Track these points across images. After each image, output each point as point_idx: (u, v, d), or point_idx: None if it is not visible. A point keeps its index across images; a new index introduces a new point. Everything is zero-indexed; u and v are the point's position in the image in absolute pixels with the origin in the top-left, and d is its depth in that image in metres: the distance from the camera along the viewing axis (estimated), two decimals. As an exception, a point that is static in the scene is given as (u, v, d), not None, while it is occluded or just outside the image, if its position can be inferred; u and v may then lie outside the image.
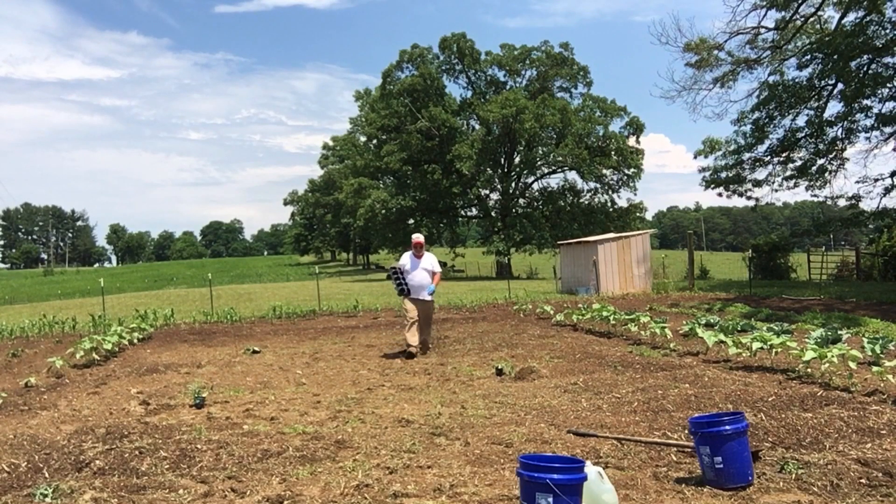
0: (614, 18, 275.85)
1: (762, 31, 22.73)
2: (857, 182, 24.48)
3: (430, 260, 10.20)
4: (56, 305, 27.15)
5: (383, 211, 45.41)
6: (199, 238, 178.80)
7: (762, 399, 5.91)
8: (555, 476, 3.19)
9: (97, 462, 4.85)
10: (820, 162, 23.62)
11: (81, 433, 5.74)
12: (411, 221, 47.25)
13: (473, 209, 52.22)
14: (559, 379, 7.60)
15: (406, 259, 10.18)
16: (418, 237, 10.29)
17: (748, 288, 21.38)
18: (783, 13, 22.03)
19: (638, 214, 48.00)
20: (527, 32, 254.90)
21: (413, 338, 9.87)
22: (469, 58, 48.53)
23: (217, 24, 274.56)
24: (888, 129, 22.14)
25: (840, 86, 21.96)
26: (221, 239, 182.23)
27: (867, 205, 23.23)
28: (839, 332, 8.97)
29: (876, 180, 22.75)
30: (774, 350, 7.59)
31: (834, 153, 23.41)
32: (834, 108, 23.27)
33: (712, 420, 4.09)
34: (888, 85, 21.47)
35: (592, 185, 47.40)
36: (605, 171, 46.16)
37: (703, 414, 5.03)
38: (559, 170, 48.49)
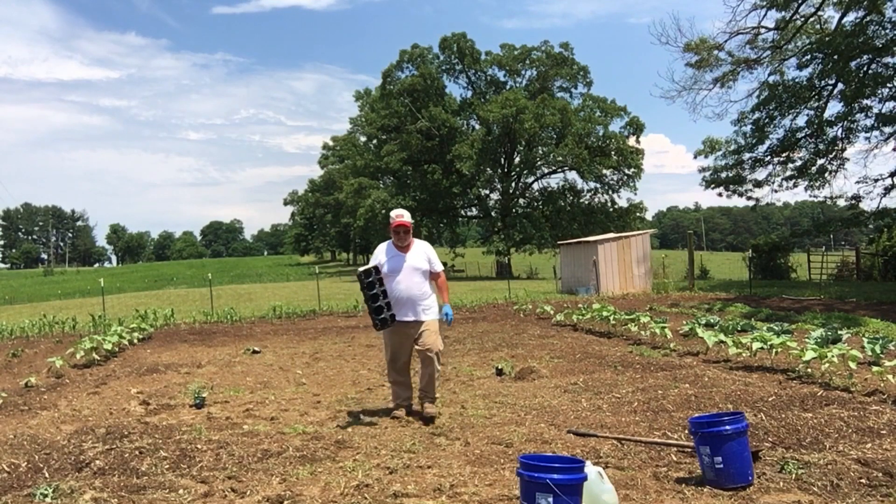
0: (609, 20, 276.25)
1: (762, 31, 22.76)
2: (857, 182, 24.52)
3: (421, 252, 6.17)
4: (56, 305, 27.15)
5: (383, 211, 45.33)
6: (199, 238, 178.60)
7: (762, 399, 5.90)
8: (555, 476, 3.19)
9: (97, 462, 4.84)
10: (820, 162, 23.64)
11: (81, 433, 5.74)
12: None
13: (473, 209, 52.22)
14: (559, 379, 7.60)
15: (381, 253, 6.14)
16: (400, 214, 6.13)
17: (748, 288, 21.38)
18: (783, 13, 22.04)
19: (638, 214, 47.97)
20: (524, 34, 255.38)
21: (402, 389, 6.19)
22: (469, 58, 48.53)
23: (215, 25, 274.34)
24: (888, 129, 22.14)
25: (840, 86, 21.97)
26: (221, 239, 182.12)
27: (867, 205, 23.27)
28: (839, 332, 8.96)
29: (876, 180, 22.78)
30: (774, 350, 7.58)
31: (834, 153, 23.42)
32: (834, 108, 23.32)
33: (712, 420, 4.09)
34: (888, 85, 21.47)
35: (592, 185, 47.41)
36: (605, 171, 46.12)
37: (703, 414, 5.02)
38: (559, 170, 48.47)
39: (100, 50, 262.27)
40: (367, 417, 6.10)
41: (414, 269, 6.03)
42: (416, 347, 6.04)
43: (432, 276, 6.23)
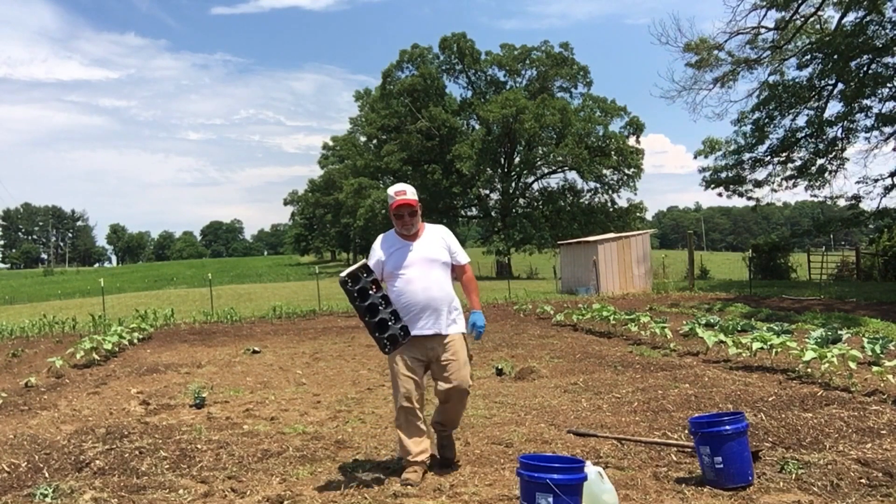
0: (607, 21, 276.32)
1: (762, 31, 22.80)
2: (857, 182, 24.64)
3: (437, 239, 4.50)
4: (56, 305, 27.14)
5: (383, 211, 45.38)
6: (199, 238, 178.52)
7: (762, 399, 5.90)
8: (555, 476, 3.19)
9: (97, 462, 4.84)
10: (820, 162, 23.67)
11: (81, 433, 5.74)
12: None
13: (473, 209, 52.22)
14: (559, 379, 7.60)
15: (380, 246, 4.48)
16: (401, 191, 4.40)
17: (748, 288, 21.37)
18: (783, 13, 22.07)
19: (638, 214, 47.98)
20: (523, 34, 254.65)
21: (416, 441, 4.30)
22: (469, 58, 48.54)
23: (214, 26, 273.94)
24: (888, 129, 22.17)
25: (840, 86, 22.00)
26: (221, 239, 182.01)
27: (867, 205, 23.34)
28: (839, 332, 8.96)
29: (876, 180, 22.83)
30: (774, 350, 7.58)
31: (834, 153, 23.45)
32: (834, 108, 23.36)
33: (712, 420, 4.08)
34: (888, 85, 21.50)
35: (592, 185, 47.42)
36: (605, 171, 46.16)
37: (703, 414, 5.02)
38: (559, 170, 48.48)
39: (99, 50, 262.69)
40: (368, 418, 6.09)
41: (429, 261, 4.35)
42: (441, 385, 4.36)
43: (454, 271, 4.57)
